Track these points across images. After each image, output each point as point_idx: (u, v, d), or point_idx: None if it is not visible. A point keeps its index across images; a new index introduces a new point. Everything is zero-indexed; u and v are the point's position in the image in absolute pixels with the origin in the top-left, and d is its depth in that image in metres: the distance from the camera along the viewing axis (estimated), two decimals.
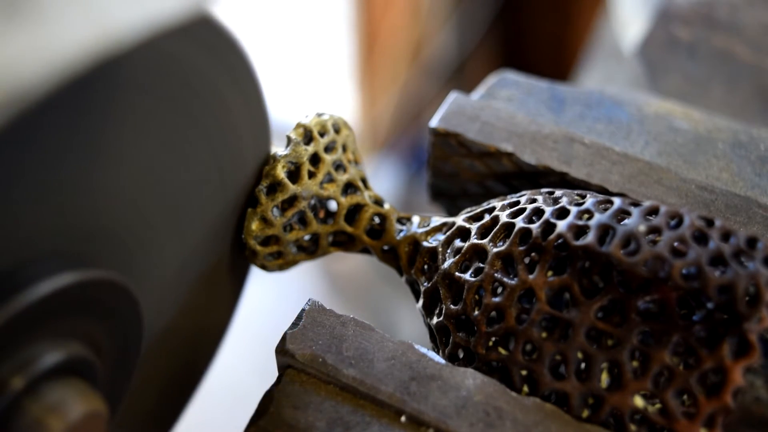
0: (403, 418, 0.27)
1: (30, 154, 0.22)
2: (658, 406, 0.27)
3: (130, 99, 0.25)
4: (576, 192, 0.31)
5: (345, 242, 0.34)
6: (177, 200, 0.29)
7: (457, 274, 0.30)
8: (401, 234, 0.33)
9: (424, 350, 0.28)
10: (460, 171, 0.36)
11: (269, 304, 1.14)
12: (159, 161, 0.27)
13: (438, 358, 0.28)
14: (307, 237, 0.33)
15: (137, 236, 0.28)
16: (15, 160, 0.22)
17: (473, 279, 0.29)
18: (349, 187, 0.33)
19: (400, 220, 0.33)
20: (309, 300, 0.30)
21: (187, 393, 0.36)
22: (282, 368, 0.29)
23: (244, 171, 0.31)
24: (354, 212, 0.33)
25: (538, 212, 0.29)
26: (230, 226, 0.32)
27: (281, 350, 0.29)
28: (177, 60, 0.26)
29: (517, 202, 0.31)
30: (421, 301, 0.32)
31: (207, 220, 0.31)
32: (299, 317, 0.30)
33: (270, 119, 0.32)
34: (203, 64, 0.27)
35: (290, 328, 0.29)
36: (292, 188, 0.32)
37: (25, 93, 0.20)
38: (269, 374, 0.30)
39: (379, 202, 0.34)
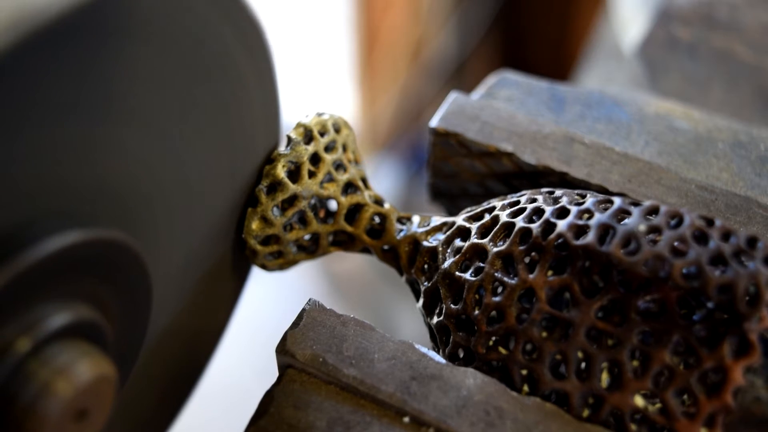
0: (406, 419, 0.27)
1: (38, 106, 0.22)
2: (658, 405, 0.27)
3: (145, 55, 0.24)
4: (576, 192, 0.31)
5: (345, 242, 0.34)
6: (187, 170, 0.28)
7: (457, 273, 0.30)
8: (401, 234, 0.33)
9: (424, 350, 0.28)
10: (460, 171, 0.36)
11: (269, 304, 1.14)
12: (171, 125, 0.27)
13: (438, 358, 0.28)
14: (307, 236, 0.33)
15: (145, 199, 0.27)
16: (22, 113, 0.21)
17: (473, 278, 0.29)
18: (350, 187, 0.33)
19: (400, 220, 0.33)
20: (309, 300, 0.30)
21: (184, 394, 0.36)
22: (282, 368, 0.29)
23: (254, 152, 0.31)
24: (354, 212, 0.33)
25: (539, 212, 0.29)
26: (236, 212, 0.32)
27: (281, 350, 0.29)
28: (198, 22, 0.25)
29: (517, 202, 0.31)
30: (421, 301, 0.32)
31: (214, 200, 0.30)
32: (299, 317, 0.30)
33: (281, 105, 0.32)
34: (224, 33, 0.27)
35: (290, 327, 0.29)
36: (293, 188, 0.32)
37: (35, 35, 0.19)
38: (269, 374, 0.30)
39: (379, 201, 0.34)
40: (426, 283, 0.31)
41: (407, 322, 1.13)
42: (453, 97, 0.36)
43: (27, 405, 0.23)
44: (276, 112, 0.32)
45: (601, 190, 0.32)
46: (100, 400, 0.25)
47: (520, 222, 0.29)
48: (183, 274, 0.31)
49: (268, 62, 0.31)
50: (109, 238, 0.25)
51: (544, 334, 0.28)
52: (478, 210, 0.32)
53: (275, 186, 0.32)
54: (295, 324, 0.29)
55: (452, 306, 0.30)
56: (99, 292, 0.25)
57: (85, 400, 0.24)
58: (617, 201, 0.29)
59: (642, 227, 0.27)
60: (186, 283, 0.31)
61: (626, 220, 0.28)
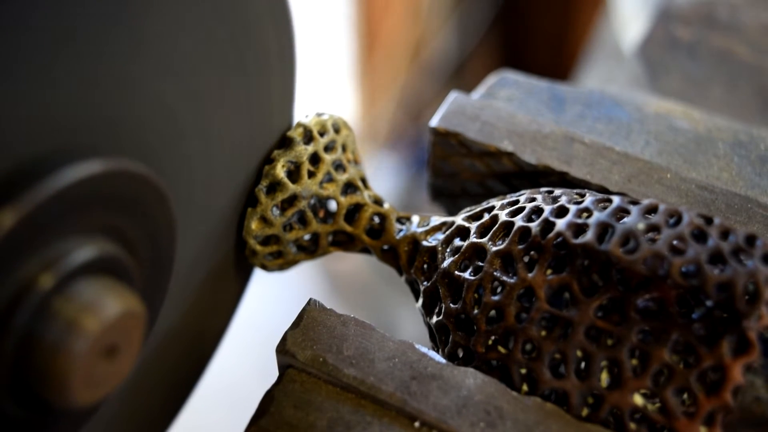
0: (417, 424, 0.27)
1: (73, 38, 0.21)
2: (657, 404, 0.27)
3: (181, 3, 0.24)
4: (575, 191, 0.31)
5: (345, 242, 0.34)
6: (210, 127, 0.28)
7: (456, 273, 0.30)
8: (401, 233, 0.33)
9: (424, 350, 0.29)
10: (460, 170, 0.36)
11: (269, 304, 1.14)
12: (199, 78, 0.26)
13: (439, 358, 0.28)
14: (306, 236, 0.33)
15: (170, 146, 0.26)
16: (56, 43, 0.21)
17: (473, 278, 0.29)
18: (349, 187, 0.33)
19: (399, 220, 0.33)
20: (309, 300, 0.30)
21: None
22: (282, 368, 0.29)
23: (270, 128, 0.31)
24: (354, 212, 0.33)
25: (538, 211, 0.30)
26: (245, 197, 0.31)
27: (282, 350, 0.29)
28: None
29: (516, 201, 0.31)
30: (420, 301, 0.32)
31: (231, 174, 0.30)
32: (300, 317, 0.30)
33: (297, 85, 0.32)
34: (257, 3, 0.27)
35: (291, 327, 0.29)
36: (292, 188, 0.32)
37: None
38: (270, 374, 0.30)
39: (378, 201, 0.34)
40: (425, 283, 0.31)
41: (407, 322, 1.13)
42: (453, 96, 0.36)
43: (53, 343, 0.22)
44: (292, 91, 0.32)
45: (601, 189, 0.32)
46: (129, 337, 0.24)
47: (519, 221, 0.29)
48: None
49: (290, 39, 0.30)
50: (134, 171, 0.24)
51: (544, 333, 0.28)
52: (478, 209, 0.32)
53: (275, 186, 0.32)
54: (296, 324, 0.29)
55: (451, 305, 0.30)
56: (124, 229, 0.24)
57: (114, 336, 0.23)
58: (616, 200, 0.29)
59: (641, 226, 0.27)
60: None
61: (625, 219, 0.28)
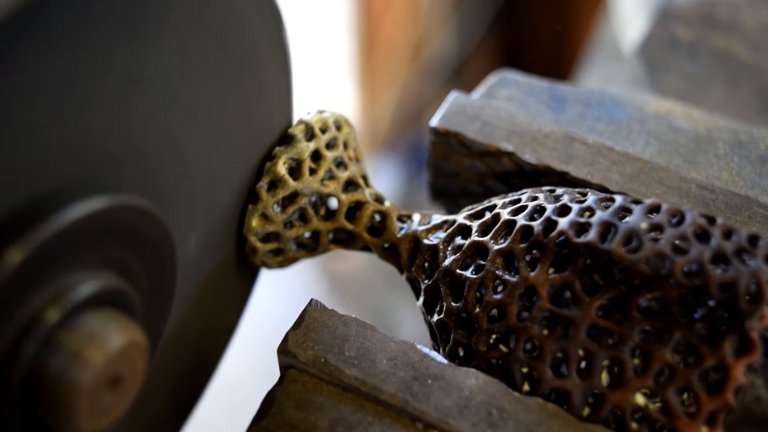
0: (419, 425, 0.27)
1: (66, 69, 0.22)
2: (659, 404, 0.27)
3: (174, 27, 0.24)
4: (577, 190, 0.31)
5: (345, 239, 0.34)
6: (210, 145, 0.28)
7: (458, 271, 0.30)
8: (402, 231, 0.33)
9: (426, 350, 0.29)
10: (460, 170, 0.36)
11: (269, 304, 1.14)
12: (197, 99, 0.27)
13: (440, 358, 0.28)
14: (307, 234, 0.33)
15: (171, 173, 0.27)
16: (51, 76, 0.21)
17: (474, 276, 0.29)
18: (350, 185, 0.33)
19: (400, 218, 0.33)
20: (311, 300, 0.30)
21: (194, 396, 0.36)
22: (284, 368, 0.29)
23: (270, 134, 0.31)
24: (354, 209, 0.33)
25: (540, 210, 0.30)
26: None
27: (283, 350, 0.29)
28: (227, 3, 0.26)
29: (519, 200, 0.31)
30: (421, 299, 0.32)
31: (233, 181, 0.30)
32: (301, 317, 0.30)
33: (293, 83, 0.33)
34: (250, 15, 0.27)
35: (292, 328, 0.29)
36: (293, 185, 0.32)
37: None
38: (270, 374, 0.30)
39: (379, 199, 0.34)
40: (426, 281, 0.31)
41: (407, 322, 1.13)
42: (453, 96, 0.36)
43: (59, 375, 0.23)
44: (289, 88, 0.32)
45: (601, 189, 0.32)
46: (132, 367, 0.24)
47: (521, 220, 0.29)
48: (197, 268, 0.31)
49: (282, 38, 0.31)
50: (136, 205, 0.25)
51: (545, 331, 0.28)
52: (479, 208, 0.32)
53: (276, 183, 0.32)
54: (297, 324, 0.29)
55: (453, 304, 0.30)
56: (126, 261, 0.25)
57: (118, 367, 0.24)
58: (619, 199, 0.29)
59: (643, 225, 0.27)
60: (199, 279, 0.31)
61: (628, 218, 0.28)
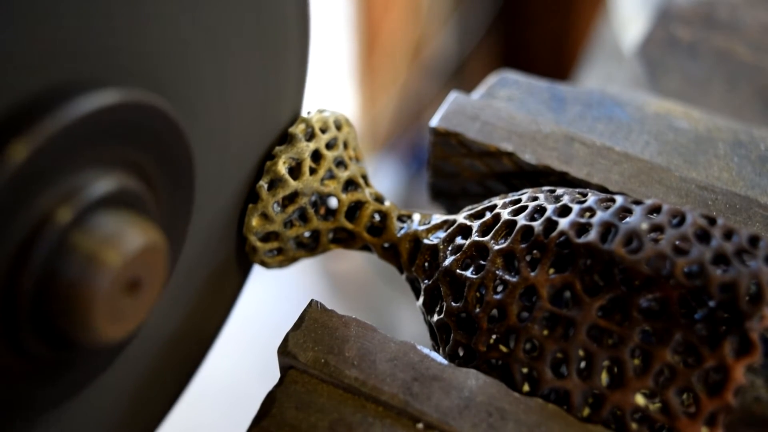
0: (419, 425, 0.27)
1: None
2: (659, 404, 0.27)
3: None
4: (578, 190, 0.31)
5: (345, 239, 0.34)
6: (226, 80, 0.27)
7: (458, 271, 0.30)
8: (402, 231, 0.33)
9: (426, 351, 0.28)
10: (460, 170, 0.36)
11: (269, 304, 1.14)
12: (219, 24, 0.26)
13: (440, 359, 0.28)
14: (307, 233, 0.33)
15: (189, 85, 0.25)
16: None
17: (474, 276, 0.29)
18: (350, 184, 0.33)
19: (400, 218, 0.33)
20: (311, 301, 0.30)
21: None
22: (284, 369, 0.29)
23: (283, 101, 0.31)
24: (354, 209, 0.33)
25: (540, 210, 0.29)
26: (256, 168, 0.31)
27: (283, 351, 0.29)
28: None
29: (519, 200, 0.31)
30: (421, 299, 0.32)
31: (242, 137, 0.30)
32: (301, 318, 0.30)
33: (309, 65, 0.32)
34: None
35: (292, 329, 0.29)
36: (293, 184, 0.32)
37: None
38: (270, 375, 0.30)
39: (379, 199, 0.34)
40: (426, 281, 0.31)
41: (407, 322, 1.13)
42: (453, 96, 0.36)
43: (74, 280, 0.21)
44: (305, 73, 0.32)
45: (601, 189, 0.32)
46: (152, 272, 0.23)
47: (521, 220, 0.29)
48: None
49: (306, 39, 0.31)
50: (150, 103, 0.23)
51: (546, 332, 0.28)
52: (479, 208, 0.32)
53: (276, 182, 0.32)
54: (297, 325, 0.29)
55: (453, 304, 0.30)
56: (141, 163, 0.24)
57: (136, 269, 0.22)
58: (619, 199, 0.29)
59: (644, 225, 0.27)
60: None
61: (628, 219, 0.28)
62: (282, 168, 0.32)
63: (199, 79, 0.26)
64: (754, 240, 0.27)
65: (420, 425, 0.27)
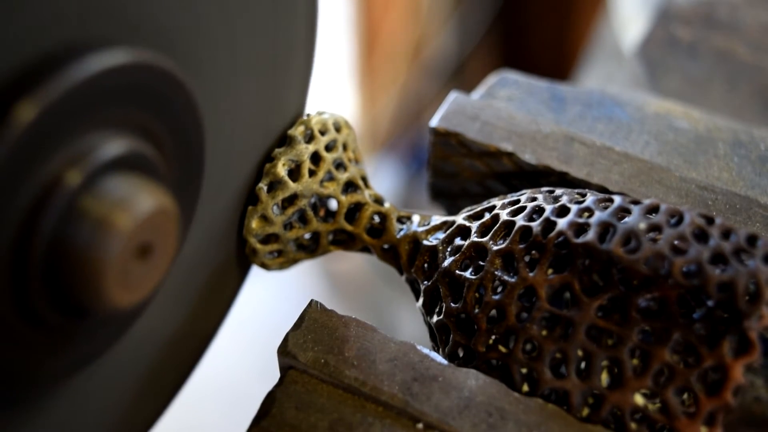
0: (419, 425, 0.27)
1: None
2: (658, 404, 0.27)
3: None
4: (576, 191, 0.31)
5: (345, 241, 0.34)
6: (234, 62, 0.27)
7: (457, 272, 0.30)
8: (401, 233, 0.33)
9: (426, 351, 0.29)
10: (460, 170, 0.36)
11: (269, 305, 1.14)
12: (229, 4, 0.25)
13: (440, 359, 0.28)
14: (307, 235, 0.33)
15: (197, 47, 0.25)
16: None
17: (474, 277, 0.29)
18: (350, 186, 0.33)
19: (400, 219, 0.33)
20: (311, 301, 0.30)
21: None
22: (284, 369, 0.29)
23: (286, 103, 0.31)
24: (354, 211, 0.33)
25: (539, 210, 0.30)
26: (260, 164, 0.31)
27: (283, 351, 0.29)
28: None
29: (518, 201, 0.31)
30: (421, 300, 0.32)
31: (246, 126, 0.29)
32: (301, 318, 0.30)
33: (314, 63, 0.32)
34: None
35: (292, 329, 0.29)
36: (293, 186, 0.32)
37: None
38: (270, 374, 0.30)
39: (379, 200, 0.34)
40: (426, 282, 0.31)
41: (407, 322, 1.13)
42: (453, 96, 0.36)
43: (84, 245, 0.21)
44: (309, 71, 0.32)
45: (601, 189, 0.32)
46: (163, 235, 0.23)
47: (520, 220, 0.29)
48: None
49: (313, 41, 0.31)
50: (160, 65, 0.22)
51: (545, 332, 0.28)
52: (478, 209, 0.32)
53: (275, 184, 0.32)
54: (297, 325, 0.29)
55: (452, 305, 0.30)
56: (151, 126, 0.23)
57: (148, 234, 0.22)
58: (617, 199, 0.29)
59: (642, 225, 0.27)
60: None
61: (626, 219, 0.28)
62: (281, 170, 0.32)
63: (211, 59, 0.26)
64: (752, 239, 0.27)
65: (420, 425, 0.27)
